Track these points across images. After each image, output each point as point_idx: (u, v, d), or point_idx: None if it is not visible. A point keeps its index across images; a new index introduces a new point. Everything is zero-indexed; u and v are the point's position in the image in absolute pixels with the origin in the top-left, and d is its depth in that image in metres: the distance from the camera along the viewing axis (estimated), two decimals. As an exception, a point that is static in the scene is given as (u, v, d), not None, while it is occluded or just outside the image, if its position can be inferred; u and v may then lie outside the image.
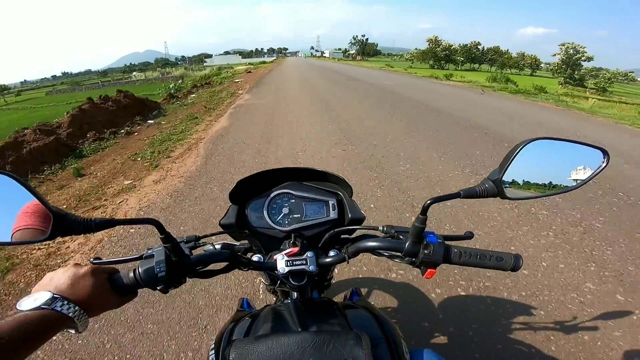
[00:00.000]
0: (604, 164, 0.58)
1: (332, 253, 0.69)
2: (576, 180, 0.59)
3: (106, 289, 0.53)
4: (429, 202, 0.55)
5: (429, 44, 62.58)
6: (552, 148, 0.59)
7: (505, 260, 0.57)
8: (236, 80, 16.90)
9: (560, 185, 0.60)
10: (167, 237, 0.55)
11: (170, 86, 15.75)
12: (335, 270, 1.65)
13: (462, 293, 1.82)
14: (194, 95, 10.69)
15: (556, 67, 47.34)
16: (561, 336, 1.55)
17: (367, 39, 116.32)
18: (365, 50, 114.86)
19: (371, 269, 2.00)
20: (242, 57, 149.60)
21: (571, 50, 45.31)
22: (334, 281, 1.81)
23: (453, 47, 62.82)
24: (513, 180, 0.58)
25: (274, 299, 0.97)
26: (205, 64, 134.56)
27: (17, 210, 0.47)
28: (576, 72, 46.00)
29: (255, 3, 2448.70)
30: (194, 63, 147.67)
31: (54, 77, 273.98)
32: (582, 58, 45.26)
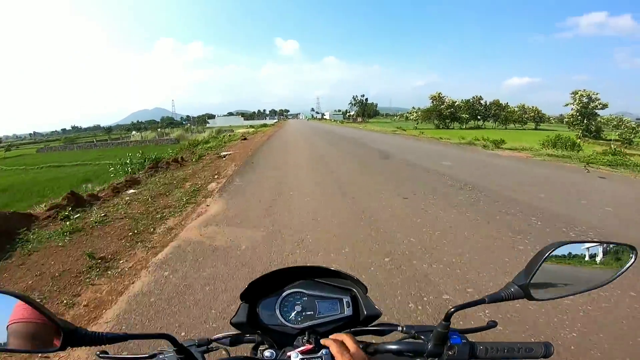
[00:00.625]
0: (633, 259, 0.58)
1: None
2: (604, 277, 0.59)
3: None
4: (452, 309, 0.56)
5: (432, 102, 59.65)
6: (579, 248, 0.60)
7: (535, 350, 0.57)
8: (222, 154, 13.05)
9: (588, 282, 0.60)
10: (180, 349, 0.57)
11: (128, 161, 11.35)
12: None
13: None
14: (132, 191, 6.34)
15: (572, 119, 43.10)
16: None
17: (366, 99, 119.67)
18: (366, 111, 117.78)
19: None
20: (245, 119, 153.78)
21: (585, 99, 41.41)
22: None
23: (457, 103, 59.88)
24: (539, 281, 0.57)
25: None
26: (208, 125, 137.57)
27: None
28: (592, 123, 41.84)
29: (258, 64, 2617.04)
30: (197, 124, 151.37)
31: (64, 130, 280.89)
32: (598, 106, 41.47)
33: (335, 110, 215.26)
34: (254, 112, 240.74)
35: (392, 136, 24.95)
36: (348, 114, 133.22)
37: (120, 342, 0.51)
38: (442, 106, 58.42)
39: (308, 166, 8.97)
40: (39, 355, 1.78)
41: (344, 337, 0.63)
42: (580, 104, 41.09)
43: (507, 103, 67.20)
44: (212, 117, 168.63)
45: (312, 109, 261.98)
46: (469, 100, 63.27)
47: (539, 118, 67.63)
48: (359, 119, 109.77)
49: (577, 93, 41.89)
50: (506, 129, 63.21)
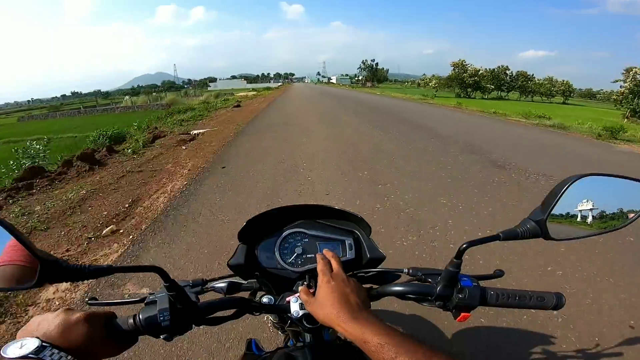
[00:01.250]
0: None
1: None
2: (626, 217, 0.55)
3: (102, 336, 0.48)
4: (465, 245, 0.53)
5: (453, 69, 53.93)
6: (600, 185, 0.55)
7: (547, 299, 0.55)
8: (193, 134, 8.52)
9: (609, 222, 0.55)
10: (172, 285, 0.51)
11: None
12: None
13: None
14: None
15: (622, 97, 38.88)
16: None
17: (377, 64, 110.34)
18: (376, 75, 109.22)
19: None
20: (248, 82, 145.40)
21: (639, 76, 36.95)
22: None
23: (480, 72, 54.39)
24: (555, 217, 0.53)
25: (283, 336, 0.92)
26: (209, 89, 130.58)
27: None
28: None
29: (263, 28, 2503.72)
30: (198, 87, 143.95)
31: (63, 96, 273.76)
32: (653, 85, 36.10)
33: (342, 75, 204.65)
34: (258, 76, 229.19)
35: (414, 104, 20.72)
36: (356, 78, 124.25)
37: (104, 276, 0.45)
38: (465, 74, 52.55)
39: (328, 139, 5.44)
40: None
41: (331, 257, 0.63)
42: (634, 82, 35.12)
43: (533, 75, 62.53)
44: (213, 80, 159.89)
45: (318, 73, 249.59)
46: (494, 70, 58.04)
47: (568, 92, 63.36)
48: (369, 84, 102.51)
49: (632, 70, 35.97)
50: (532, 101, 59.51)
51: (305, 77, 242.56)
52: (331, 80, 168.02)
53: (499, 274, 0.63)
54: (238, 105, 18.71)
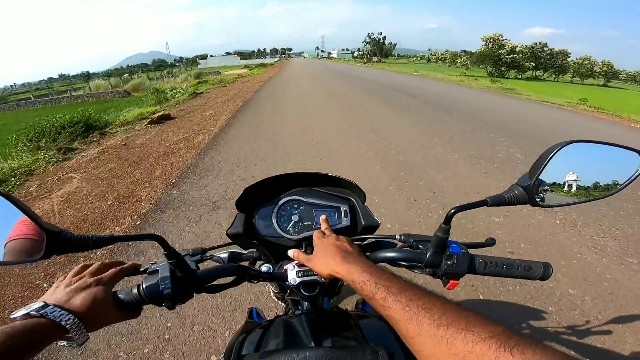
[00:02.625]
0: None
1: None
2: (613, 184, 0.55)
3: (109, 303, 0.50)
4: (452, 210, 0.52)
5: (485, 44, 44.89)
6: (587, 152, 0.55)
7: (534, 269, 0.54)
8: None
9: (596, 190, 0.56)
10: (171, 253, 0.52)
11: None
12: None
13: None
14: None
15: None
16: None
17: (384, 37, 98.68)
18: (383, 50, 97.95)
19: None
20: (242, 59, 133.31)
21: None
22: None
23: (517, 48, 45.32)
24: (544, 185, 0.53)
25: (284, 306, 0.97)
26: (199, 66, 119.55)
27: (8, 229, 0.45)
28: None
29: (260, 4, 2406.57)
30: (188, 65, 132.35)
31: (50, 79, 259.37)
32: None
33: (343, 49, 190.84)
34: (253, 52, 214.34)
35: (453, 87, 14.68)
36: (359, 52, 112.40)
37: (107, 246, 0.49)
38: (502, 51, 43.55)
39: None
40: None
41: (322, 220, 0.70)
42: None
43: (570, 52, 53.38)
44: (205, 57, 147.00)
45: (317, 48, 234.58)
46: (532, 47, 48.54)
47: (611, 74, 56.29)
48: (375, 59, 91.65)
49: None
50: (572, 82, 51.28)
51: (303, 52, 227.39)
52: (332, 55, 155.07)
53: (490, 242, 0.63)
54: (196, 93, 10.46)
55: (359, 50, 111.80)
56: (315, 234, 0.64)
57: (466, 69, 44.84)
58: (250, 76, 21.23)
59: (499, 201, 0.52)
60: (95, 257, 2.25)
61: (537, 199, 0.53)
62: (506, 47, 43.94)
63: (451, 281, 0.56)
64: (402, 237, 0.62)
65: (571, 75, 55.29)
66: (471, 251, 0.57)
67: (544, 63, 51.39)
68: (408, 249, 0.61)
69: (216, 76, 29.65)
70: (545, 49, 49.78)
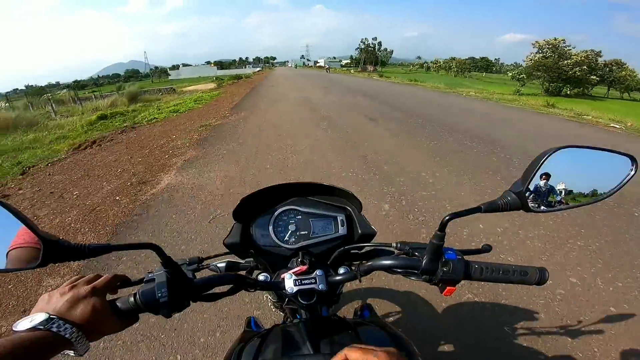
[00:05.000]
0: (633, 172, 0.55)
1: (342, 270, 0.68)
2: (604, 189, 0.56)
3: (107, 312, 0.51)
4: (447, 217, 0.53)
5: (539, 52, 32.53)
6: (578, 157, 0.56)
7: (530, 274, 0.55)
8: None
9: (588, 195, 0.57)
10: (167, 262, 0.53)
11: None
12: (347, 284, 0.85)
13: None
14: None
15: None
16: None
17: (379, 43, 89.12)
18: (379, 58, 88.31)
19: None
20: (220, 68, 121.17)
21: None
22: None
23: (574, 57, 32.87)
24: (537, 191, 0.54)
25: (282, 315, 0.92)
26: (170, 77, 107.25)
27: (9, 238, 0.47)
28: None
29: (243, 14, 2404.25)
30: (157, 75, 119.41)
31: (15, 90, 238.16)
32: None
33: (330, 57, 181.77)
34: (234, 61, 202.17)
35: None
36: (351, 60, 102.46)
37: (103, 254, 0.49)
38: (567, 62, 31.65)
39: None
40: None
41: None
42: None
43: (626, 64, 41.93)
44: (176, 67, 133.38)
45: (302, 56, 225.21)
46: (587, 56, 34.82)
47: None
48: (370, 68, 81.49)
49: None
50: (633, 100, 41.23)
51: (288, 61, 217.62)
52: (318, 64, 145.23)
53: (486, 248, 0.63)
54: None
55: (351, 58, 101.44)
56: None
57: (522, 85, 32.10)
58: (212, 99, 13.28)
59: (492, 207, 0.53)
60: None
61: (530, 205, 0.53)
62: (572, 57, 31.96)
63: (447, 287, 0.56)
64: (399, 245, 0.63)
65: (627, 90, 44.64)
66: (467, 257, 0.57)
67: (603, 76, 39.61)
68: (404, 256, 0.61)
69: (167, 96, 20.94)
70: (600, 59, 37.13)
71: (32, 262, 0.46)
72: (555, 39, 32.51)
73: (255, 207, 0.76)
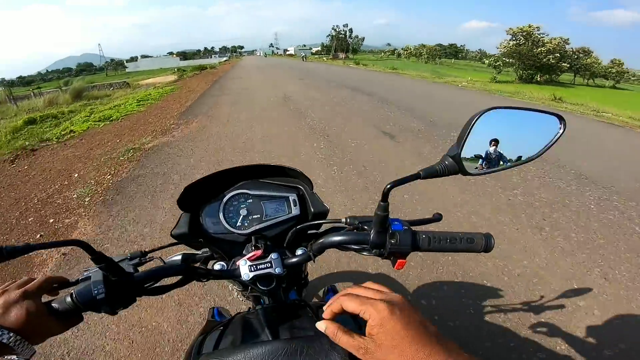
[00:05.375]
0: (562, 130, 0.56)
1: (299, 252, 0.66)
2: (536, 149, 0.58)
3: (43, 315, 0.48)
4: (388, 186, 0.51)
5: (513, 39, 31.59)
6: (508, 118, 0.57)
7: (477, 241, 0.54)
8: None
9: (520, 155, 0.58)
10: (99, 258, 0.50)
11: None
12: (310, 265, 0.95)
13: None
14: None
15: None
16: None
17: (351, 30, 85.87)
18: (350, 45, 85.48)
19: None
20: (182, 59, 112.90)
21: None
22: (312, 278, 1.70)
23: (548, 44, 31.93)
24: (473, 155, 0.55)
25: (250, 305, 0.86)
26: (126, 70, 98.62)
27: None
28: None
29: (208, 3, 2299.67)
30: (112, 68, 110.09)
31: None
32: None
33: (300, 45, 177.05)
34: (199, 51, 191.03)
35: None
36: (322, 48, 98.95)
37: (23, 255, 0.45)
38: (540, 49, 30.74)
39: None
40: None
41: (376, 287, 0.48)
42: None
43: (592, 51, 42.93)
44: (133, 60, 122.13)
45: (271, 45, 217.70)
46: (559, 44, 34.19)
47: (621, 75, 46.56)
48: (342, 55, 79.58)
49: None
50: (596, 86, 43.00)
51: (256, 50, 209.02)
52: (288, 52, 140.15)
53: (437, 217, 0.62)
54: None
55: (322, 45, 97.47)
56: (376, 301, 0.42)
57: (498, 73, 32.01)
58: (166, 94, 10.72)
59: (431, 173, 0.53)
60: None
61: (467, 169, 0.54)
62: (545, 44, 30.97)
63: (398, 260, 0.56)
64: (348, 220, 0.61)
65: (587, 77, 45.42)
66: (415, 228, 0.56)
67: (571, 64, 40.30)
68: (354, 231, 0.59)
69: (118, 91, 18.06)
70: (568, 46, 36.83)
71: None
72: (530, 26, 31.74)
73: (202, 194, 0.72)
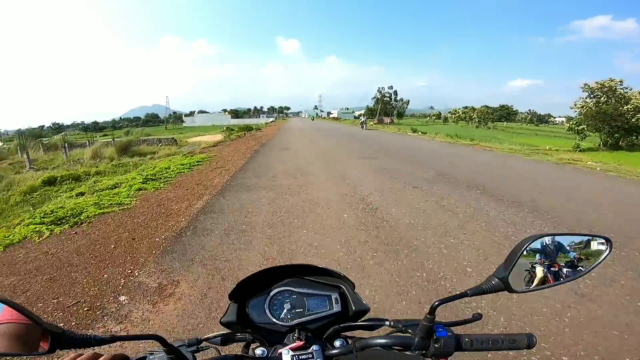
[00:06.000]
0: (607, 252, 0.59)
1: (337, 344, 0.68)
2: (581, 269, 0.60)
3: None
4: (436, 303, 0.56)
5: (590, 96, 26.09)
6: (554, 241, 0.60)
7: (519, 341, 0.57)
8: None
9: (566, 275, 0.60)
10: (171, 350, 0.56)
11: None
12: None
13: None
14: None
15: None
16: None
17: (395, 92, 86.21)
18: (397, 109, 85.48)
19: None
20: (234, 117, 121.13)
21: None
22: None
23: (635, 100, 25.41)
24: (517, 272, 0.58)
25: None
26: (184, 124, 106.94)
27: None
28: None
29: (260, 63, 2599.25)
30: (171, 122, 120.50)
31: (41, 127, 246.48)
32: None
33: (343, 108, 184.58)
34: (249, 110, 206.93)
35: None
36: (366, 111, 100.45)
37: (108, 344, 0.50)
38: (626, 107, 24.83)
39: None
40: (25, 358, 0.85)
41: None
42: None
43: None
44: (189, 115, 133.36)
45: (316, 107, 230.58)
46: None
47: None
48: (387, 120, 78.71)
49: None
50: None
51: (301, 112, 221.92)
52: (332, 115, 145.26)
53: (476, 317, 0.64)
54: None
55: (367, 108, 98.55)
56: None
57: (582, 139, 26.14)
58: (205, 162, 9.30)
59: (478, 291, 0.57)
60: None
61: (513, 287, 0.57)
62: (632, 101, 24.70)
63: (440, 359, 0.59)
64: (392, 323, 0.65)
65: None
66: (457, 329, 0.60)
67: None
68: (398, 333, 0.64)
69: (165, 147, 18.68)
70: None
71: (31, 344, 0.46)
72: (612, 80, 26.00)
73: (250, 287, 0.77)
